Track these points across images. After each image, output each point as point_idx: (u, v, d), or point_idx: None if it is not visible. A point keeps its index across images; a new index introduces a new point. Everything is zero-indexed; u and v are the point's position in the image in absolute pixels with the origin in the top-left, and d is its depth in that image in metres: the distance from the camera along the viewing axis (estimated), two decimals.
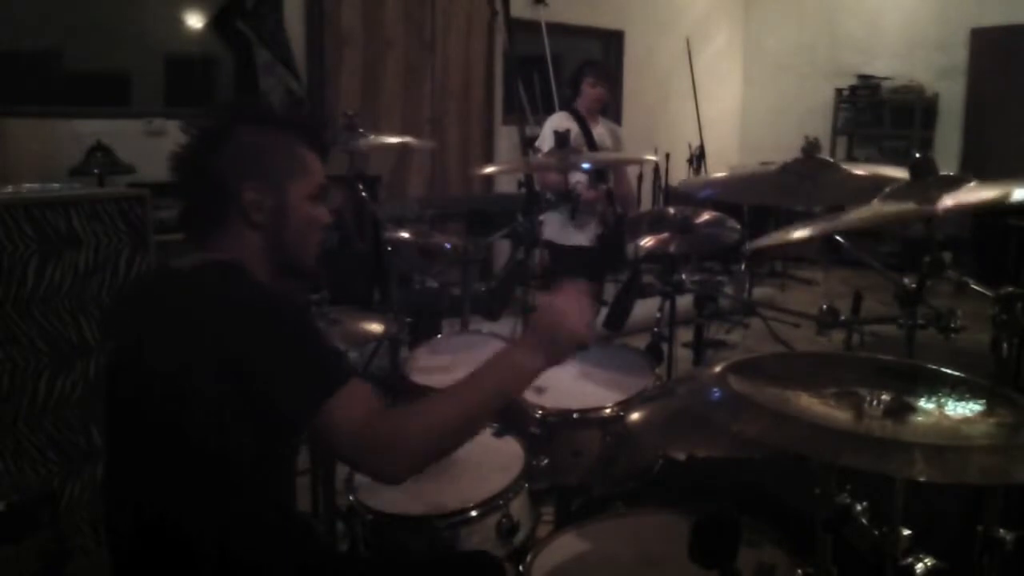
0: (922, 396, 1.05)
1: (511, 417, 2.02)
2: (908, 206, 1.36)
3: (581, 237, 3.73)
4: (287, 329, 1.17)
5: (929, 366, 1.10)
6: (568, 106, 3.94)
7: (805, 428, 0.95)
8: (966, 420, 1.00)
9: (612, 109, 4.26)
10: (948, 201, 1.33)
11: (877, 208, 1.39)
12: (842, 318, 1.59)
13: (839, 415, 1.01)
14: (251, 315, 1.16)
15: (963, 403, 1.03)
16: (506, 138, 6.32)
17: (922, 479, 0.85)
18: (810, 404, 1.03)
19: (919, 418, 1.00)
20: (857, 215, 1.43)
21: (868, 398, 1.03)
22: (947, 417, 1.01)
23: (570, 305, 1.29)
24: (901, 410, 1.01)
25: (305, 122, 1.37)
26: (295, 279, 1.36)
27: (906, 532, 1.03)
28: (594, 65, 3.98)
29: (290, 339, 1.16)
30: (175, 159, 1.29)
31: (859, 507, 1.07)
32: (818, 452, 0.96)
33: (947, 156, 6.75)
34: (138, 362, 1.21)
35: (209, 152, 1.27)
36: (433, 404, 1.23)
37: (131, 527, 1.23)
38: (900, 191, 1.43)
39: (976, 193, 1.35)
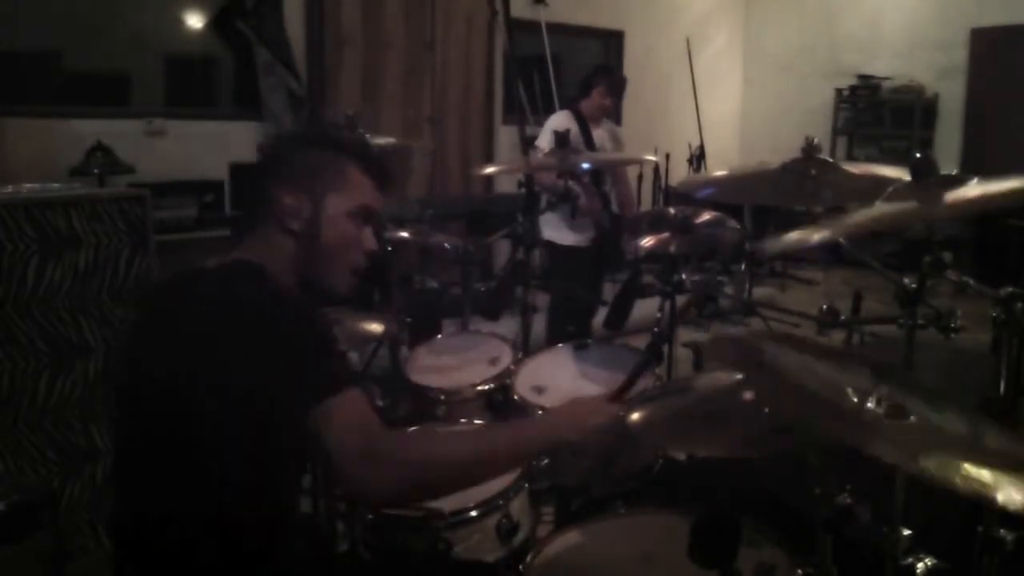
0: (918, 406, 1.04)
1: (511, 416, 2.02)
2: (913, 206, 1.35)
3: (578, 238, 3.73)
4: (286, 329, 1.17)
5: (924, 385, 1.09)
6: (571, 104, 3.93)
7: (811, 398, 0.95)
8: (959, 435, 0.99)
9: (612, 110, 4.25)
10: (950, 199, 1.32)
11: (885, 208, 1.38)
12: (842, 318, 1.58)
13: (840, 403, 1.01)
14: (250, 314, 1.16)
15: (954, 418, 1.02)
16: (506, 138, 6.32)
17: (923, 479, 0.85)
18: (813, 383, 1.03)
19: (918, 418, 1.00)
20: (868, 214, 1.42)
21: (868, 398, 1.03)
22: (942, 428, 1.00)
23: (586, 408, 1.40)
24: (901, 411, 1.01)
25: (366, 149, 1.41)
26: (322, 295, 1.37)
27: (906, 532, 1.03)
28: (611, 76, 3.93)
29: (287, 339, 1.16)
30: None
31: (859, 507, 1.07)
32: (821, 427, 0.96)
33: (947, 156, 6.75)
34: (142, 360, 1.23)
35: (265, 168, 1.35)
36: (440, 438, 1.24)
37: (133, 524, 1.24)
38: (902, 191, 1.42)
39: (979, 190, 1.34)
